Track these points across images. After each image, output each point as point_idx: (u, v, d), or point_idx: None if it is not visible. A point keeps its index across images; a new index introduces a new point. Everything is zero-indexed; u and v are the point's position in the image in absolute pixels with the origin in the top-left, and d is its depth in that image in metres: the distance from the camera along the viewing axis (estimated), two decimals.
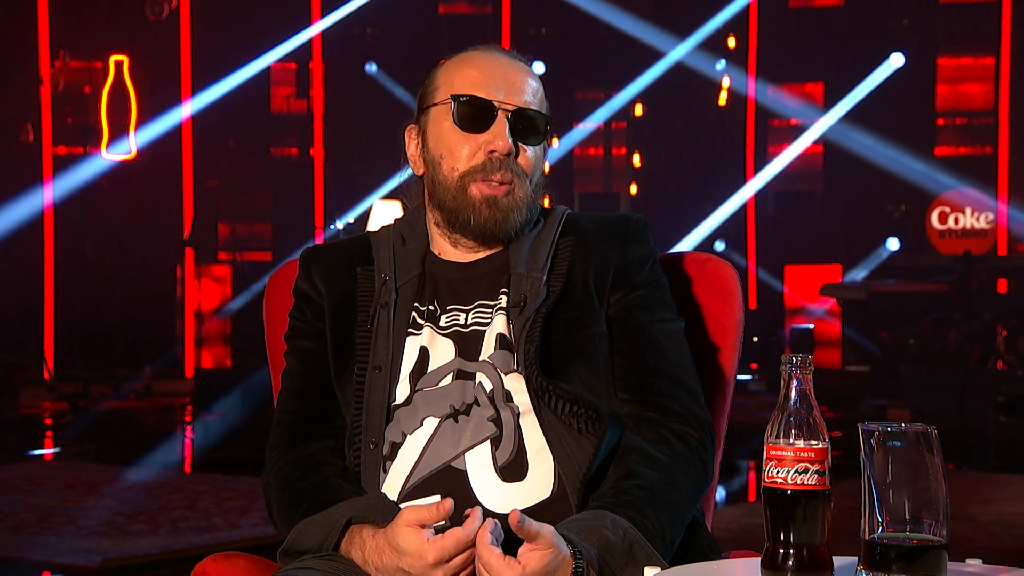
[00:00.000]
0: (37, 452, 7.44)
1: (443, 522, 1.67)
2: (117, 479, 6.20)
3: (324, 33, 12.06)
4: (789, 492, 1.34)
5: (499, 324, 1.85)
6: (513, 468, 1.77)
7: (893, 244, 11.98)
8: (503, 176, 1.87)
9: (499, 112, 1.88)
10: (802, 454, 1.34)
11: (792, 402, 1.36)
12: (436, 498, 1.74)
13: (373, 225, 7.49)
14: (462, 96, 1.88)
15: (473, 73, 1.90)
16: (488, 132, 1.87)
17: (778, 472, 1.35)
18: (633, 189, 13.36)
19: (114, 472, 6.41)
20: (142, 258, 11.79)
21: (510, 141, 1.87)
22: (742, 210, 12.59)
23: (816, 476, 1.34)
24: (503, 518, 1.63)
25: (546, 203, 2.04)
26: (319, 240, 10.85)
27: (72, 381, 9.69)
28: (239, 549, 2.27)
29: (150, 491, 5.89)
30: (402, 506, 1.73)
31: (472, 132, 1.88)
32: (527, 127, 1.89)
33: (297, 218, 12.18)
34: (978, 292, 9.39)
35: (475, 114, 1.88)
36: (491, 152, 1.87)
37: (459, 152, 1.88)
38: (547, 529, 1.58)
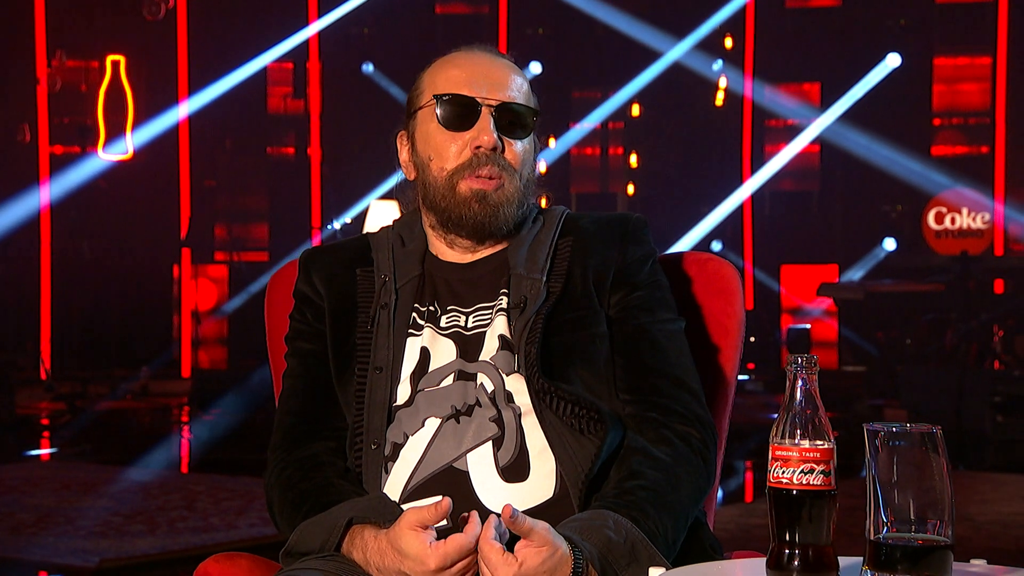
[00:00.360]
0: (34, 452, 7.44)
1: (445, 522, 1.67)
2: (114, 479, 6.19)
3: (321, 33, 12.05)
4: (794, 492, 1.34)
5: (500, 325, 1.85)
6: (515, 469, 1.77)
7: (890, 244, 11.97)
8: (491, 171, 1.87)
9: (483, 108, 1.87)
10: (807, 454, 1.34)
11: (797, 402, 1.36)
12: (438, 499, 1.74)
13: (371, 225, 7.49)
14: (445, 95, 1.88)
15: (455, 73, 1.90)
16: (473, 129, 1.87)
17: (783, 472, 1.35)
18: (630, 189, 13.34)
19: (112, 472, 6.41)
20: (139, 258, 11.78)
21: (495, 136, 1.87)
22: (739, 210, 12.58)
23: (821, 476, 1.34)
24: None
25: (544, 203, 2.04)
26: (316, 240, 10.85)
27: (69, 381, 9.69)
28: (237, 549, 2.28)
29: (148, 491, 5.89)
30: (404, 507, 1.73)
31: (457, 130, 1.88)
32: (513, 121, 1.89)
33: (294, 218, 12.17)
34: (975, 292, 9.38)
35: (459, 112, 1.88)
36: (477, 148, 1.87)
37: (446, 152, 1.88)
38: (541, 526, 1.58)
